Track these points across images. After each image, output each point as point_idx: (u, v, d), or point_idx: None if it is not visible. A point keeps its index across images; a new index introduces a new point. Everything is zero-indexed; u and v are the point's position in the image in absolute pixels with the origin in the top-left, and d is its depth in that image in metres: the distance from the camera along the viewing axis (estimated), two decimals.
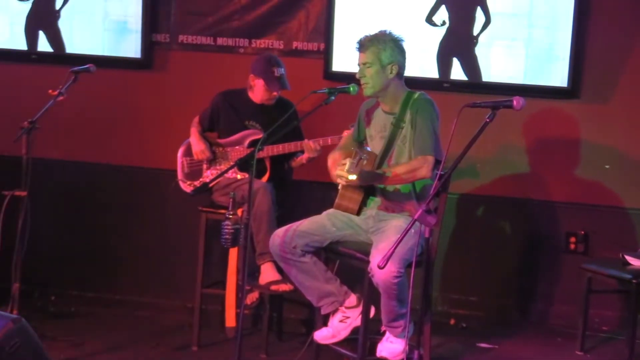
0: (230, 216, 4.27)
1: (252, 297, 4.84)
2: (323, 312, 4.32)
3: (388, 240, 3.88)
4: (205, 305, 5.04)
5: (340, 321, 4.30)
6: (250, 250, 4.62)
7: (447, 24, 5.32)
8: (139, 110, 5.68)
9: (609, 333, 5.25)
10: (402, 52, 4.23)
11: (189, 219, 5.17)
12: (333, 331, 4.31)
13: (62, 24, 5.67)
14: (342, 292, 4.29)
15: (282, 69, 4.97)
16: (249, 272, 4.43)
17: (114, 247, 5.69)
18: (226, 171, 4.52)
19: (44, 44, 5.69)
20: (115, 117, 5.70)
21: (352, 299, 4.30)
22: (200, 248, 4.95)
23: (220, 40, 5.56)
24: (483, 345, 5.07)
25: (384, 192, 4.26)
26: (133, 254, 5.66)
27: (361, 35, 4.27)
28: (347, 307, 4.30)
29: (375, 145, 4.30)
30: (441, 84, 5.32)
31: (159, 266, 5.62)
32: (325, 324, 4.35)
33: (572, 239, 5.32)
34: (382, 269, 3.59)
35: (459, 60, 5.33)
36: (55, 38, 5.68)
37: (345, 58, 5.32)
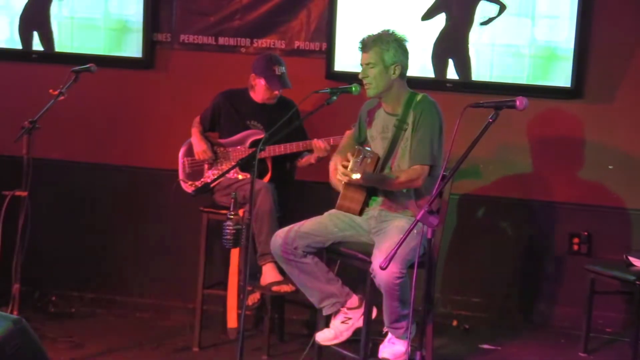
0: (232, 217, 4.26)
1: (253, 298, 4.83)
2: (325, 313, 4.31)
3: (390, 241, 3.87)
4: (207, 306, 5.04)
5: (342, 322, 4.29)
6: (252, 251, 4.62)
7: (445, 23, 5.29)
8: (140, 110, 5.67)
9: (612, 335, 5.23)
10: (405, 52, 4.21)
11: (191, 219, 5.16)
12: (335, 332, 4.30)
13: (63, 23, 5.65)
14: (344, 293, 4.28)
15: (283, 68, 4.95)
16: (251, 273, 4.41)
17: (115, 248, 5.68)
18: (228, 171, 4.51)
19: (37, 44, 5.68)
20: (116, 117, 5.69)
21: (354, 300, 4.29)
22: (202, 248, 4.95)
23: (222, 40, 5.54)
24: (486, 346, 5.07)
25: (385, 191, 4.24)
26: (134, 255, 5.65)
27: (364, 34, 4.25)
28: (348, 308, 4.29)
29: (377, 146, 4.29)
30: (443, 84, 5.31)
31: (160, 267, 5.61)
32: (327, 325, 4.34)
33: (576, 240, 5.30)
34: (384, 270, 3.57)
35: (452, 60, 5.30)
36: (48, 38, 5.65)
37: (347, 58, 5.30)
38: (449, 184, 4.16)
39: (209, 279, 5.02)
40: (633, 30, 5.22)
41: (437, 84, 5.27)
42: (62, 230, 5.67)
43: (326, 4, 5.40)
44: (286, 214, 4.80)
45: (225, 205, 4.78)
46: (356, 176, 3.96)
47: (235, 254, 4.78)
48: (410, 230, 3.34)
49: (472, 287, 5.44)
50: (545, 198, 5.38)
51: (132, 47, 5.58)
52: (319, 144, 4.79)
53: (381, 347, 4.21)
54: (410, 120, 4.17)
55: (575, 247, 5.31)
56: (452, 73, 5.33)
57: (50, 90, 4.69)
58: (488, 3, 5.23)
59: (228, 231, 4.26)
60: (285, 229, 4.25)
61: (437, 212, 3.35)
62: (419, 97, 4.21)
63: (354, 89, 4.20)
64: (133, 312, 5.45)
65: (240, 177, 4.91)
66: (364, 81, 4.19)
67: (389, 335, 4.19)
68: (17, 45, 5.70)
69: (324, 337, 4.31)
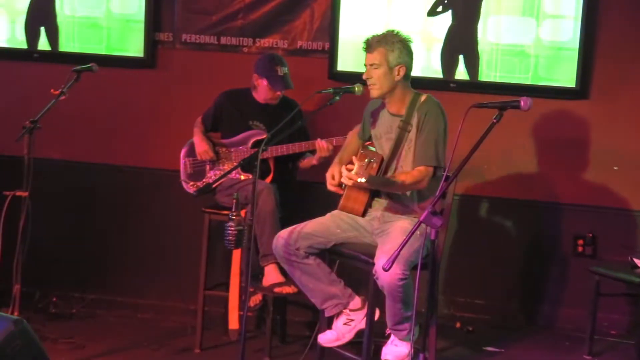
0: (234, 217, 4.25)
1: (255, 300, 4.82)
2: (327, 314, 4.30)
3: (393, 242, 3.85)
4: (208, 308, 5.03)
5: (345, 324, 4.28)
6: (254, 251, 4.59)
7: (451, 22, 5.26)
8: (141, 110, 5.66)
9: (617, 337, 5.20)
10: (409, 53, 4.20)
11: (192, 220, 5.15)
12: (337, 334, 4.28)
13: (64, 22, 5.63)
14: (347, 294, 4.27)
15: (286, 68, 4.94)
16: (253, 274, 4.39)
17: (116, 249, 5.66)
18: (230, 172, 4.50)
19: (43, 42, 5.67)
20: (118, 116, 5.68)
21: (357, 301, 4.27)
22: (203, 249, 4.94)
23: (224, 40, 5.52)
24: (489, 349, 5.05)
25: (389, 193, 4.23)
26: (135, 256, 5.64)
27: (367, 34, 4.24)
28: (351, 310, 4.27)
29: (381, 146, 4.27)
30: (447, 84, 5.28)
31: (161, 268, 5.60)
32: (329, 326, 4.33)
33: (580, 242, 5.28)
34: (387, 272, 3.56)
35: (463, 57, 5.28)
36: (53, 35, 5.64)
37: (350, 58, 5.29)
38: (453, 185, 4.15)
39: (210, 280, 5.01)
40: (639, 30, 5.19)
41: (441, 83, 5.25)
42: (63, 231, 5.66)
43: (329, 3, 5.38)
44: (288, 215, 4.78)
45: (227, 205, 4.76)
46: (361, 180, 3.94)
47: (237, 254, 4.77)
48: (413, 232, 3.34)
49: (475, 288, 5.42)
50: (549, 199, 5.36)
51: (134, 47, 5.57)
52: (322, 144, 4.77)
53: (384, 349, 4.19)
54: (414, 121, 4.15)
55: (580, 249, 5.29)
56: (460, 72, 5.31)
57: (52, 90, 4.67)
58: None
59: (230, 232, 4.25)
60: (288, 229, 4.24)
61: (440, 213, 3.34)
62: (423, 97, 4.20)
63: (356, 89, 4.21)
64: (134, 313, 5.43)
65: (242, 177, 4.90)
66: (368, 82, 4.18)
67: (392, 337, 4.17)
68: (19, 44, 5.68)
69: (326, 338, 4.30)
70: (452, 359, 4.92)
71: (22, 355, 3.42)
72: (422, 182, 4.10)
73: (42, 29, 5.66)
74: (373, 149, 4.27)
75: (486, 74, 5.28)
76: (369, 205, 4.24)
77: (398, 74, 4.14)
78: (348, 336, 4.27)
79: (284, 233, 4.23)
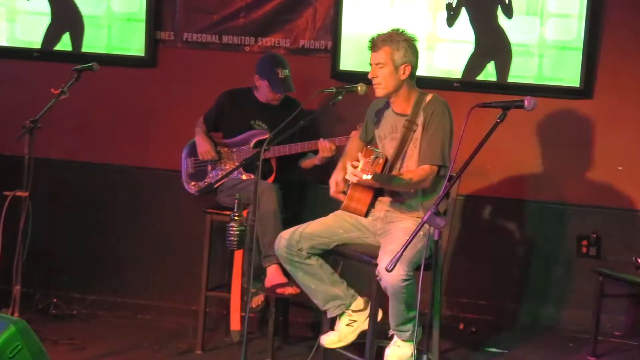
0: (236, 218, 4.22)
1: (257, 300, 4.81)
2: (329, 315, 4.29)
3: (396, 243, 3.83)
4: (210, 309, 5.04)
5: (347, 325, 4.26)
6: (256, 252, 4.60)
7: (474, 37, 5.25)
8: (142, 109, 5.64)
9: (621, 338, 5.19)
10: (415, 52, 4.18)
11: (194, 220, 5.15)
12: (340, 335, 4.27)
13: None
14: (349, 295, 4.25)
15: (287, 70, 4.93)
16: (255, 275, 4.39)
17: (117, 249, 5.65)
18: (231, 172, 4.48)
19: (65, 44, 5.66)
20: (119, 116, 5.67)
21: (359, 302, 4.26)
22: (205, 250, 4.92)
23: (226, 38, 5.51)
24: (493, 350, 5.03)
25: (392, 192, 4.22)
26: (136, 256, 5.62)
27: (370, 33, 4.23)
28: (353, 311, 4.26)
29: (385, 146, 4.26)
30: (451, 83, 5.26)
31: (162, 268, 5.58)
32: (331, 327, 4.31)
33: (584, 242, 5.25)
34: (390, 272, 3.54)
35: (494, 62, 5.26)
36: (78, 39, 5.63)
37: (353, 57, 5.27)
38: (456, 185, 4.13)
39: (212, 281, 5.00)
40: None
41: (444, 83, 5.22)
42: (64, 231, 5.65)
43: (332, 2, 5.37)
44: (291, 215, 4.77)
45: (229, 206, 4.73)
46: (367, 177, 3.91)
47: (239, 255, 4.75)
48: (416, 232, 3.34)
49: (479, 289, 5.40)
50: (553, 199, 5.34)
51: (135, 46, 5.55)
52: (325, 144, 4.75)
53: (387, 350, 4.17)
54: (420, 120, 4.14)
55: (584, 249, 5.26)
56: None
57: (52, 89, 4.65)
58: None
59: (232, 232, 4.22)
60: (290, 230, 4.22)
61: (443, 214, 3.33)
62: (429, 97, 4.19)
63: (359, 88, 4.19)
64: (135, 314, 5.42)
65: (244, 177, 4.87)
66: (374, 81, 4.16)
67: (395, 338, 4.16)
68: (18, 43, 5.67)
69: (328, 340, 4.28)
70: None
71: (23, 357, 3.42)
72: (427, 181, 4.09)
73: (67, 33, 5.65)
74: (377, 150, 4.24)
75: (490, 74, 5.26)
76: (371, 206, 4.22)
77: (404, 73, 4.13)
78: (351, 337, 4.25)
79: (286, 233, 4.21)
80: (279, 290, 4.67)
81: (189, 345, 4.91)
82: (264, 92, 4.96)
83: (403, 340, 4.11)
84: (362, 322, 4.23)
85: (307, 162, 4.98)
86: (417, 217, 4.11)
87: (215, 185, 4.85)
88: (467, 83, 5.27)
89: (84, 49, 5.58)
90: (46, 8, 5.64)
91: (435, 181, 4.11)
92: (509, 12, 5.18)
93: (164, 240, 5.57)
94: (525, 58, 5.22)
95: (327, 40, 5.40)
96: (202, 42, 5.53)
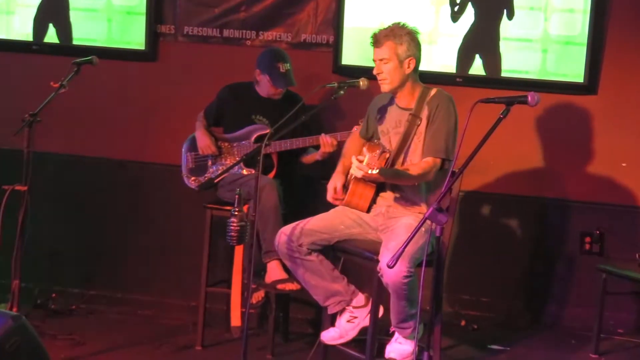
0: (236, 213, 4.19)
1: (257, 296, 4.80)
2: (330, 311, 4.28)
3: (398, 239, 3.83)
4: (210, 304, 4.99)
5: (348, 321, 4.26)
6: (256, 248, 4.58)
7: (473, 20, 5.20)
8: (142, 103, 5.63)
9: (624, 336, 5.17)
10: (418, 45, 4.17)
11: (194, 215, 5.12)
12: (340, 331, 4.26)
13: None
14: (350, 291, 4.24)
15: (288, 65, 4.90)
16: (255, 271, 4.38)
17: (117, 244, 5.63)
18: (232, 167, 4.46)
19: (51, 37, 5.62)
20: (119, 110, 5.66)
21: (360, 298, 4.25)
22: (205, 245, 4.90)
23: (227, 32, 5.48)
24: (494, 347, 5.02)
25: (394, 188, 4.20)
26: (136, 251, 5.61)
27: (373, 27, 4.22)
28: (354, 307, 4.25)
29: (389, 140, 4.24)
30: (454, 79, 5.23)
31: (162, 264, 5.57)
32: (332, 324, 4.31)
33: (587, 239, 5.25)
34: (392, 269, 3.53)
35: (480, 57, 5.22)
36: (65, 31, 5.60)
37: (355, 51, 5.25)
38: (459, 181, 4.11)
39: (212, 277, 4.99)
40: None
41: (448, 78, 5.19)
42: (62, 226, 5.63)
43: None
44: (291, 211, 4.75)
45: (229, 201, 4.71)
46: (373, 171, 3.88)
47: (239, 251, 4.75)
48: (418, 228, 3.32)
49: (480, 286, 5.38)
50: (556, 195, 5.32)
51: (135, 39, 5.53)
52: (326, 140, 4.73)
53: (388, 347, 4.17)
54: (424, 114, 4.13)
55: (587, 246, 5.26)
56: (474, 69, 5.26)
57: (52, 83, 4.62)
58: None
59: (232, 228, 4.18)
60: (291, 225, 4.21)
61: (446, 210, 3.31)
62: (433, 91, 4.18)
63: (361, 83, 4.19)
64: (135, 310, 5.40)
65: (244, 172, 4.85)
66: (379, 77, 4.16)
67: (396, 334, 4.15)
68: (18, 36, 5.64)
69: (329, 336, 4.28)
70: (457, 357, 4.88)
71: (21, 352, 3.39)
72: (430, 174, 4.07)
73: (51, 25, 5.62)
74: (382, 144, 4.22)
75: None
76: (373, 202, 4.21)
77: (408, 67, 4.12)
78: (351, 334, 4.24)
79: (286, 229, 4.20)
80: (279, 286, 4.66)
81: (188, 341, 4.89)
82: (265, 86, 4.93)
83: (404, 337, 4.11)
84: (363, 319, 4.22)
85: (309, 158, 4.97)
86: (419, 213, 4.11)
87: (216, 180, 4.83)
88: (471, 78, 5.23)
89: (86, 42, 5.55)
90: None
91: (438, 176, 4.08)
92: (510, 15, 5.15)
93: (163, 235, 5.55)
94: (529, 53, 5.18)
95: (328, 35, 5.37)
96: (202, 36, 5.51)
